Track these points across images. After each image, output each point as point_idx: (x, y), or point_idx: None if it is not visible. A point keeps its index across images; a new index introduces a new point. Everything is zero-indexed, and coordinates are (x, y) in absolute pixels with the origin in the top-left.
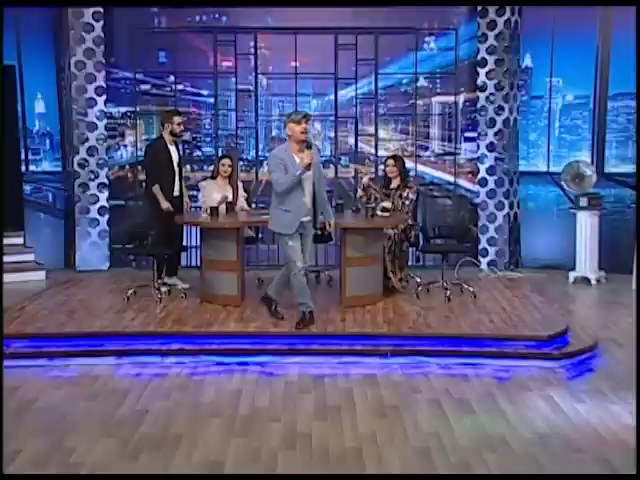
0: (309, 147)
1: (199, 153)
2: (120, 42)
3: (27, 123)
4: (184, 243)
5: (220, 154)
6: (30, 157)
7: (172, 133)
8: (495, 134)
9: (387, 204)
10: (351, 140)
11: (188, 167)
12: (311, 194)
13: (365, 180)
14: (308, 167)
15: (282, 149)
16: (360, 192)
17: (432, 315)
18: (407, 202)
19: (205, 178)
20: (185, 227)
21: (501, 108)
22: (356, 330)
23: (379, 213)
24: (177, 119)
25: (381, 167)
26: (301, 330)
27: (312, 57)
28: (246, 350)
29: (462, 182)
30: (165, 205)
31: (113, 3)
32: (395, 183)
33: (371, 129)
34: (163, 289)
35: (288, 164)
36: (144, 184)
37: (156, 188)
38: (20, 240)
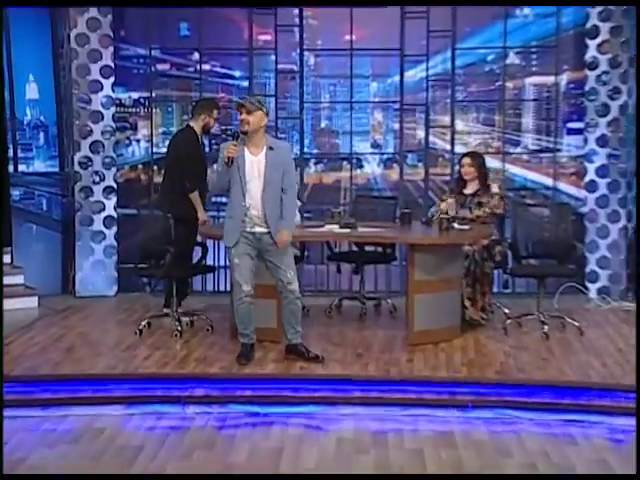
0: (236, 137)
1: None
2: (132, 11)
3: (16, 112)
4: (209, 262)
5: None
6: (20, 155)
7: (205, 128)
8: (608, 124)
9: (464, 213)
10: (420, 133)
11: (215, 167)
12: (263, 199)
13: (444, 206)
14: (229, 161)
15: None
16: (434, 211)
17: (525, 356)
18: (490, 211)
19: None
20: (211, 244)
21: (617, 91)
22: (427, 374)
23: (456, 226)
24: (216, 113)
25: (456, 167)
26: (243, 365)
27: (371, 29)
28: (287, 398)
29: (564, 186)
30: (204, 217)
31: (114, 3)
32: (472, 187)
33: (446, 119)
34: (184, 319)
35: (239, 160)
36: (173, 187)
37: (195, 195)
38: (7, 258)
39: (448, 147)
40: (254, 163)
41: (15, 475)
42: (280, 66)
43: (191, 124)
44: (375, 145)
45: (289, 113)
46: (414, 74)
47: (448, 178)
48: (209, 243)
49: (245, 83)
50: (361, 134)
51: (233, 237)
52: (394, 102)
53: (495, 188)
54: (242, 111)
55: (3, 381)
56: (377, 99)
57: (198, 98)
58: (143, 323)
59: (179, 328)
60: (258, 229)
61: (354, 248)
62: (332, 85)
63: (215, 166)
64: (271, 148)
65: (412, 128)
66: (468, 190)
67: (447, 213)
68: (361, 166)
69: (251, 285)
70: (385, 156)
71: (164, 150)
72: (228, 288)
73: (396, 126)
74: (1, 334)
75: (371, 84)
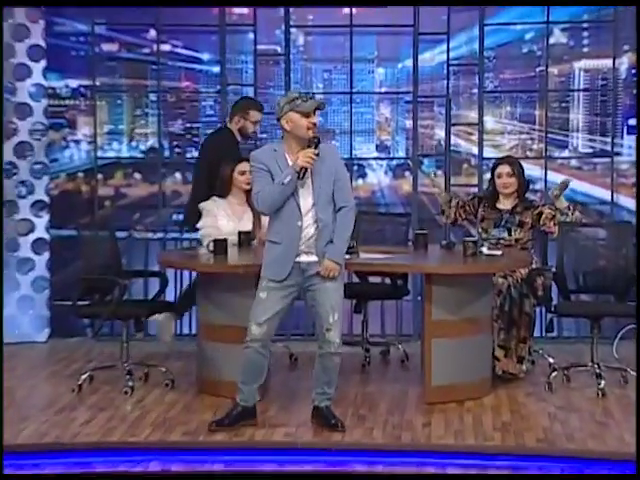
0: (315, 144)
1: (195, 153)
2: None
3: None
4: (169, 297)
5: None
6: None
7: (242, 132)
8: None
9: (499, 233)
10: (440, 133)
11: (178, 177)
12: (315, 218)
13: (438, 183)
14: (302, 172)
15: (268, 149)
16: (447, 211)
17: (575, 420)
18: (529, 233)
19: (209, 196)
20: (171, 274)
21: None
22: (449, 442)
23: (485, 251)
24: (255, 115)
25: (487, 176)
26: (214, 431)
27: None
28: (269, 475)
29: (624, 200)
30: (262, 236)
31: (111, 3)
32: (509, 201)
33: (472, 115)
34: (137, 373)
35: (276, 171)
36: (201, 200)
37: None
38: None
39: (475, 150)
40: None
41: (15, 475)
42: (260, 47)
43: (228, 125)
44: (382, 148)
45: (271, 107)
46: (431, 57)
47: (475, 190)
48: (169, 273)
49: (215, 69)
50: (364, 134)
51: (283, 268)
52: (406, 93)
53: (563, 203)
54: (313, 112)
55: (3, 380)
56: (384, 89)
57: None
58: (83, 377)
59: (130, 383)
60: (305, 258)
61: (355, 279)
62: (327, 72)
63: (258, 182)
64: (317, 157)
65: (429, 126)
66: (504, 205)
67: (463, 206)
68: (363, 174)
69: (266, 332)
70: (394, 162)
71: (111, 154)
72: (193, 330)
73: (408, 123)
74: (1, 335)
75: (376, 70)
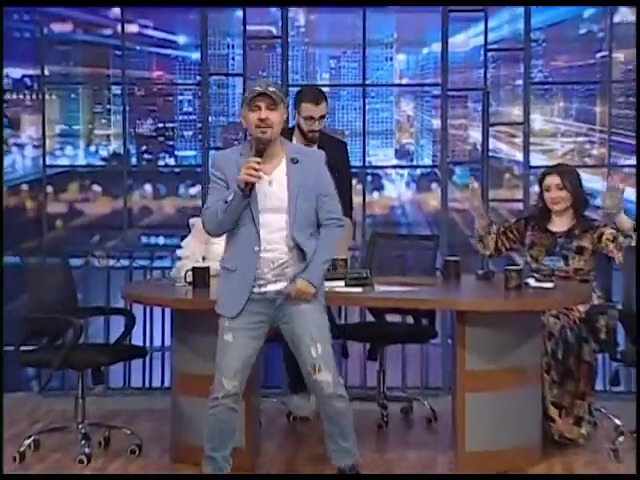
0: (260, 149)
1: (170, 160)
2: None
3: None
4: (137, 341)
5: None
6: None
7: (302, 133)
8: None
9: (554, 263)
10: (475, 135)
11: (148, 189)
12: (285, 241)
13: (473, 193)
14: (247, 189)
15: (231, 153)
16: (486, 239)
17: None
18: (590, 261)
19: (193, 215)
20: (139, 311)
21: None
22: None
23: (533, 283)
24: (307, 108)
25: (535, 189)
26: None
27: None
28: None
29: None
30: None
31: (112, 3)
32: (564, 222)
33: (516, 112)
34: (95, 436)
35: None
36: None
37: (348, 223)
38: None
39: (519, 157)
40: (268, 186)
41: (15, 475)
42: (251, 28)
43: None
44: (402, 153)
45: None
46: (465, 40)
47: (520, 206)
48: (136, 310)
49: (195, 55)
50: (380, 136)
51: (235, 303)
52: (433, 85)
53: (626, 222)
54: (261, 105)
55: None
56: (405, 80)
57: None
58: (27, 442)
59: (86, 449)
60: (272, 287)
61: (369, 318)
62: (334, 59)
63: (211, 195)
64: (294, 161)
65: (462, 126)
66: (558, 226)
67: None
68: (380, 187)
69: (238, 382)
70: (418, 171)
71: (64, 161)
72: (166, 383)
73: (436, 123)
74: (1, 335)
75: (396, 57)
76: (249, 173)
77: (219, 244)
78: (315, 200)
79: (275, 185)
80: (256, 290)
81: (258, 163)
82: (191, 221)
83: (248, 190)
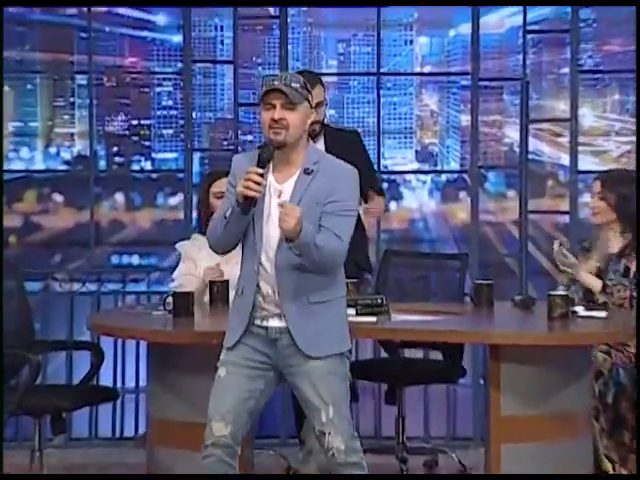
0: (265, 157)
1: (146, 164)
2: None
3: None
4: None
5: (205, 169)
6: None
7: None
8: None
9: (594, 282)
10: (512, 133)
11: (120, 199)
12: (277, 264)
13: (558, 247)
14: (245, 203)
15: (251, 156)
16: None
17: None
18: None
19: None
20: (109, 345)
21: None
22: None
23: (581, 311)
24: (318, 94)
25: (585, 199)
26: None
27: None
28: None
29: None
30: None
31: (113, 3)
32: (617, 239)
33: (561, 106)
34: None
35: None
36: None
37: None
38: None
39: (565, 159)
40: (277, 197)
41: (15, 475)
42: (243, 7)
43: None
44: (425, 156)
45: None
46: (499, 21)
47: (566, 218)
48: (105, 344)
49: (176, 38)
50: (398, 135)
51: (233, 332)
52: (461, 75)
53: (592, 284)
54: (276, 103)
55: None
56: (428, 69)
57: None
58: None
59: None
60: (274, 323)
61: (384, 353)
62: (342, 42)
63: (222, 204)
64: (308, 171)
65: (496, 123)
66: (612, 243)
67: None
68: (398, 196)
69: (230, 430)
70: (444, 177)
71: (19, 165)
72: (141, 430)
73: (465, 119)
74: (1, 335)
75: (417, 40)
76: (247, 185)
77: (183, 268)
78: (317, 217)
79: (283, 197)
80: (257, 322)
81: (260, 175)
82: (177, 246)
83: (247, 205)
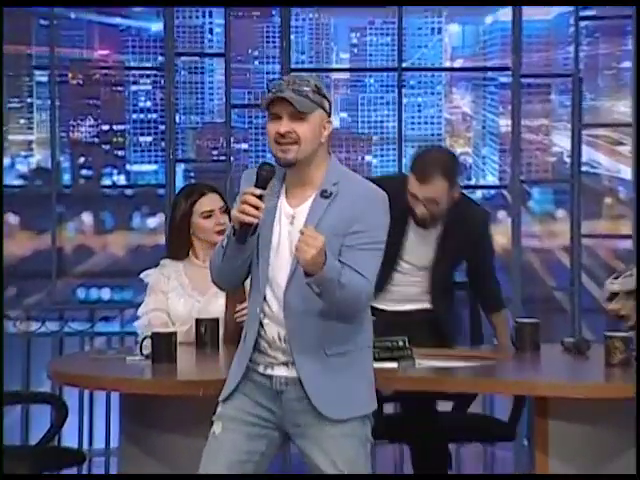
0: (264, 177)
1: (119, 178)
2: None
3: None
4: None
5: (184, 181)
6: None
7: None
8: None
9: None
10: (562, 141)
11: (87, 220)
12: (286, 301)
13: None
14: (241, 231)
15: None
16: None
17: None
18: None
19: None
20: (73, 396)
21: None
22: None
23: None
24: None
25: None
26: None
27: None
28: None
29: None
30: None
31: (113, 4)
32: None
33: (622, 108)
34: None
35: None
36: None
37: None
38: None
39: (627, 172)
40: (289, 225)
41: (15, 475)
42: None
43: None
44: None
45: (256, 96)
46: (546, 8)
47: (628, 244)
48: (69, 396)
49: (155, 26)
50: (423, 143)
51: (230, 380)
52: (500, 70)
53: None
54: (282, 114)
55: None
56: (460, 63)
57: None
58: None
59: None
60: (281, 372)
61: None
62: (356, 31)
63: (228, 228)
64: (325, 194)
65: (542, 128)
66: None
67: (622, 316)
68: None
69: None
70: (479, 193)
71: None
72: None
73: (505, 124)
74: (1, 335)
75: (446, 28)
76: (242, 209)
77: (177, 299)
78: (335, 250)
79: (296, 225)
80: (260, 369)
81: (259, 197)
82: (142, 276)
83: (243, 233)
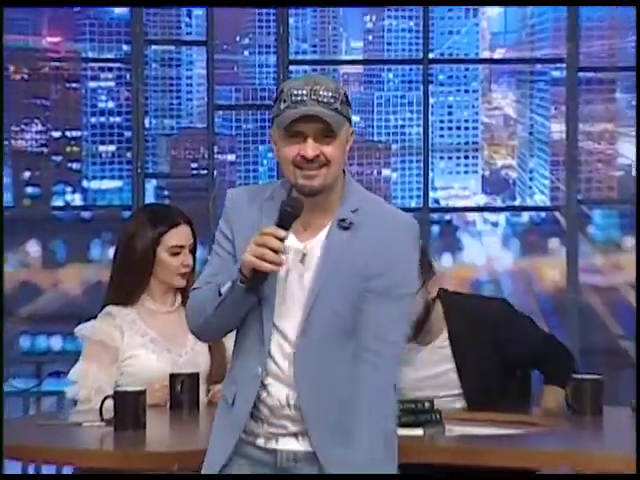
0: (290, 213)
1: (74, 198)
2: None
3: None
4: None
5: (156, 201)
6: None
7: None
8: None
9: None
10: (629, 151)
11: (34, 250)
12: (297, 359)
13: None
14: (257, 278)
15: (260, 191)
16: None
17: None
18: None
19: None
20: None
21: None
22: None
23: None
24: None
25: None
26: None
27: None
28: None
29: None
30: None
31: (115, 3)
32: None
33: None
34: None
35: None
36: None
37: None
38: None
39: None
40: (298, 263)
41: (15, 475)
42: None
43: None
44: (496, 184)
45: (246, 95)
46: None
47: None
48: (11, 471)
49: (119, 8)
50: (455, 153)
51: (219, 455)
52: (551, 63)
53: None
54: (308, 133)
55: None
56: (501, 53)
57: None
58: None
59: None
60: (288, 445)
61: None
62: (371, 14)
63: (209, 264)
64: (344, 225)
65: (604, 135)
66: None
67: None
68: (456, 245)
69: None
70: (526, 216)
71: None
72: None
73: (557, 129)
74: (1, 335)
75: (483, 11)
76: (261, 255)
77: (141, 352)
78: (357, 296)
79: (308, 263)
80: (260, 442)
81: (281, 239)
82: (76, 330)
83: (257, 281)
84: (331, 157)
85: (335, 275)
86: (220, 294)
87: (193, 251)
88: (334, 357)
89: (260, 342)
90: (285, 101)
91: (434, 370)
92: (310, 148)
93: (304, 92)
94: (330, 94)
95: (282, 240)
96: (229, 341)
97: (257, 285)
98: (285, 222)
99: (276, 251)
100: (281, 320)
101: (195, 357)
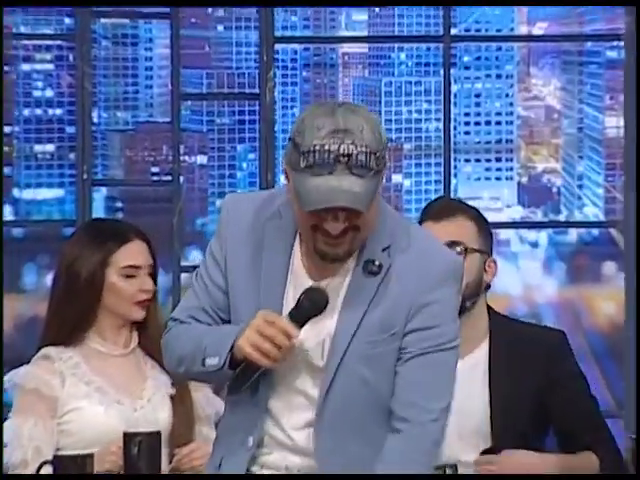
0: (311, 309)
1: (4, 211)
2: None
3: None
4: None
5: (107, 214)
6: None
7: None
8: None
9: None
10: None
11: None
12: (319, 426)
13: None
14: (250, 369)
15: (265, 203)
16: None
17: None
18: None
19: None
20: None
21: None
22: None
23: None
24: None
25: None
26: None
27: None
28: None
29: None
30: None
31: (114, 3)
32: None
33: None
34: None
35: (254, 276)
36: None
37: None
38: None
39: None
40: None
41: (15, 475)
42: None
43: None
44: (536, 194)
45: (220, 82)
46: None
47: None
48: None
49: None
50: (485, 154)
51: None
52: (605, 39)
53: None
54: (338, 214)
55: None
56: (542, 29)
57: None
58: None
59: None
60: (291, 459)
61: None
62: None
63: (193, 292)
64: (372, 269)
65: None
66: None
67: None
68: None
69: None
70: (574, 234)
71: None
72: None
73: (613, 125)
74: (1, 334)
75: None
76: (263, 350)
77: (83, 403)
78: (391, 358)
79: (328, 318)
80: (263, 458)
81: (288, 336)
82: (6, 378)
83: (249, 371)
84: (362, 225)
85: (358, 335)
86: (203, 363)
87: (153, 275)
88: (355, 435)
89: (252, 407)
90: (305, 156)
91: (459, 393)
92: (340, 225)
93: (332, 150)
94: (366, 150)
95: (289, 336)
96: (197, 392)
97: (248, 377)
98: (301, 317)
99: (280, 346)
100: (281, 385)
101: (154, 412)
